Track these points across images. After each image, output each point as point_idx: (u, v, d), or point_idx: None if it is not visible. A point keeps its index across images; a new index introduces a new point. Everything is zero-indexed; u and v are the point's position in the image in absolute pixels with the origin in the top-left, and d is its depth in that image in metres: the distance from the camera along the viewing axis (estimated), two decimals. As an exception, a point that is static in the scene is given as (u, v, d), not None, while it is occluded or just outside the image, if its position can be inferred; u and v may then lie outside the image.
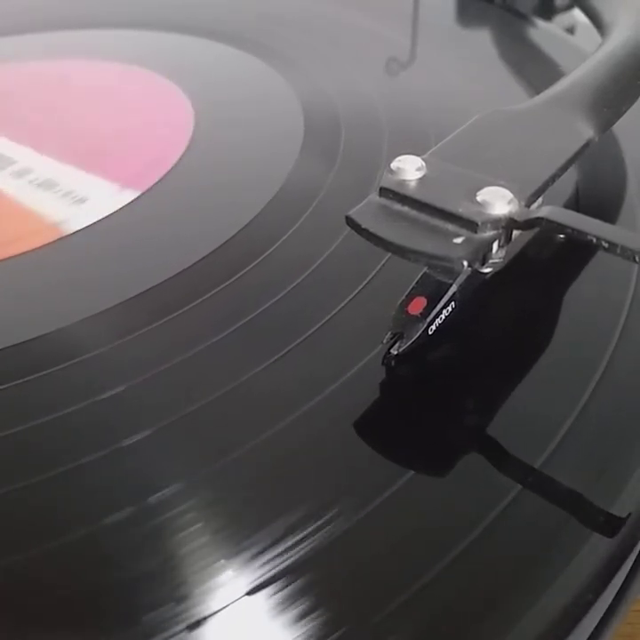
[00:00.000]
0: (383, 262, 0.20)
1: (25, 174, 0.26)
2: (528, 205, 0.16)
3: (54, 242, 0.23)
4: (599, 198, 0.23)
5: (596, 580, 0.13)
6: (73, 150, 0.28)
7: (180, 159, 0.26)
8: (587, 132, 0.18)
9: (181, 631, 0.13)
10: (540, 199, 0.16)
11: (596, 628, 0.14)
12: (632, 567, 0.14)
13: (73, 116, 0.30)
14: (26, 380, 0.18)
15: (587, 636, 0.13)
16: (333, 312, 0.19)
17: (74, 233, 0.23)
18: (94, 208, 0.24)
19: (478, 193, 0.15)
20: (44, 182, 0.26)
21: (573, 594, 0.13)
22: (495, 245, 0.15)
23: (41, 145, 0.28)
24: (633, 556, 0.14)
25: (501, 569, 0.13)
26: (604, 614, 0.14)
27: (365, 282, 0.19)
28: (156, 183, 0.25)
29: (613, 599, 0.14)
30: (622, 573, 0.14)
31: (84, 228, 0.23)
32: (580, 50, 0.30)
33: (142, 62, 0.33)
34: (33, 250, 0.22)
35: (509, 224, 0.15)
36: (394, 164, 0.16)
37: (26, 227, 0.24)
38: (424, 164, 0.16)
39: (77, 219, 0.24)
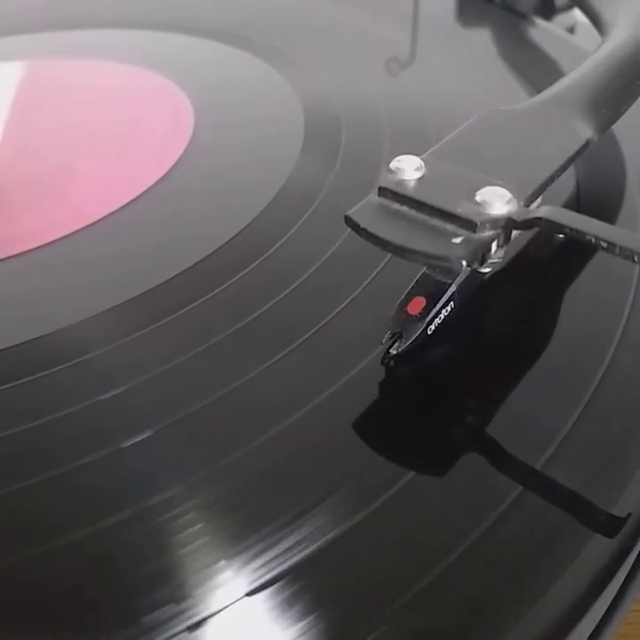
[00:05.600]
0: (383, 263, 0.20)
1: None
2: (527, 205, 0.16)
3: None
4: (599, 198, 0.22)
5: (596, 580, 0.13)
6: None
7: (180, 160, 0.26)
8: (586, 132, 0.18)
9: (181, 631, 0.13)
10: (539, 199, 0.16)
11: (597, 627, 0.14)
12: (632, 567, 0.14)
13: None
14: (26, 380, 0.18)
15: (587, 636, 0.13)
16: (334, 312, 0.19)
17: None
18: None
19: (477, 193, 0.15)
20: None
21: (574, 594, 0.13)
22: (494, 245, 0.15)
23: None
24: (633, 556, 0.14)
25: (502, 569, 0.13)
26: (604, 614, 0.14)
27: (366, 282, 0.19)
28: (157, 182, 0.25)
29: (613, 599, 0.14)
30: (622, 573, 0.14)
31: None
32: (580, 50, 0.30)
33: (142, 62, 0.33)
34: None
35: (508, 224, 0.15)
36: (393, 164, 0.16)
37: None
38: (423, 163, 0.16)
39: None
